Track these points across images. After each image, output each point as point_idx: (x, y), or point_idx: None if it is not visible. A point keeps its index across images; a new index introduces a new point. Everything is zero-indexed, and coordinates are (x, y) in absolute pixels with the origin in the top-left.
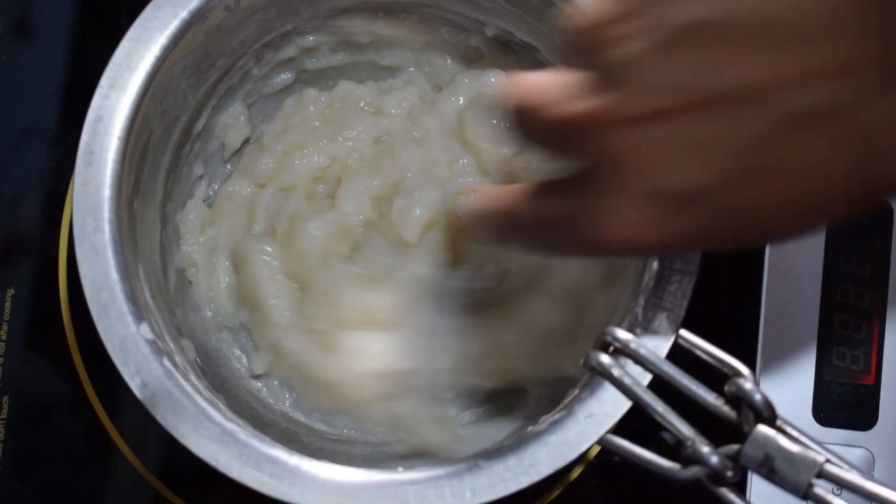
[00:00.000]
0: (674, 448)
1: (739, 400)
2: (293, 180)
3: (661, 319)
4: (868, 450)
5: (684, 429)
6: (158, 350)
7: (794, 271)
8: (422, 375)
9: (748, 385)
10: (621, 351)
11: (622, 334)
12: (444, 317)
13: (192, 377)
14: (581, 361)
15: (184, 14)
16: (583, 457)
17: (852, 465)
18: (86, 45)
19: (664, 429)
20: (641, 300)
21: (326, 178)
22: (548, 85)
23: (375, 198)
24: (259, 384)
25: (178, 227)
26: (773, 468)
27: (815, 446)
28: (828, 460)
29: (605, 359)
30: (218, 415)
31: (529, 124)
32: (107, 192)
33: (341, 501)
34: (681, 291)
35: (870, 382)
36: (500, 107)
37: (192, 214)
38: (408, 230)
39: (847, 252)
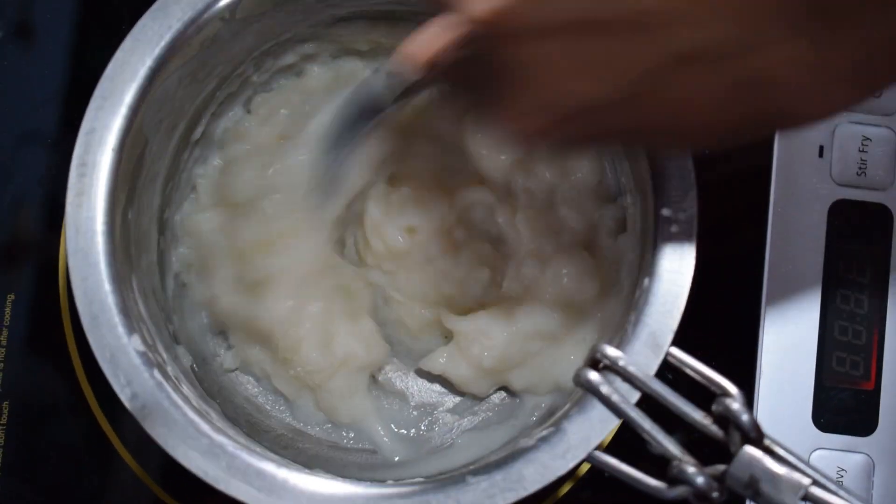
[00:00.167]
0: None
1: (727, 420)
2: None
3: (652, 337)
4: (868, 455)
5: (671, 448)
6: (149, 361)
7: (793, 276)
8: None
9: (735, 405)
10: (611, 368)
11: (611, 351)
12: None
13: (185, 387)
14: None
15: (178, 25)
16: (572, 472)
17: (840, 486)
18: (86, 50)
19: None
20: (632, 317)
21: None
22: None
23: None
24: (255, 390)
25: (175, 231)
26: (759, 490)
27: (803, 466)
28: (814, 482)
29: (593, 376)
30: (207, 426)
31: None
32: (100, 203)
33: None
34: (672, 309)
35: (870, 388)
36: (407, 63)
37: (187, 217)
38: None
39: (847, 258)
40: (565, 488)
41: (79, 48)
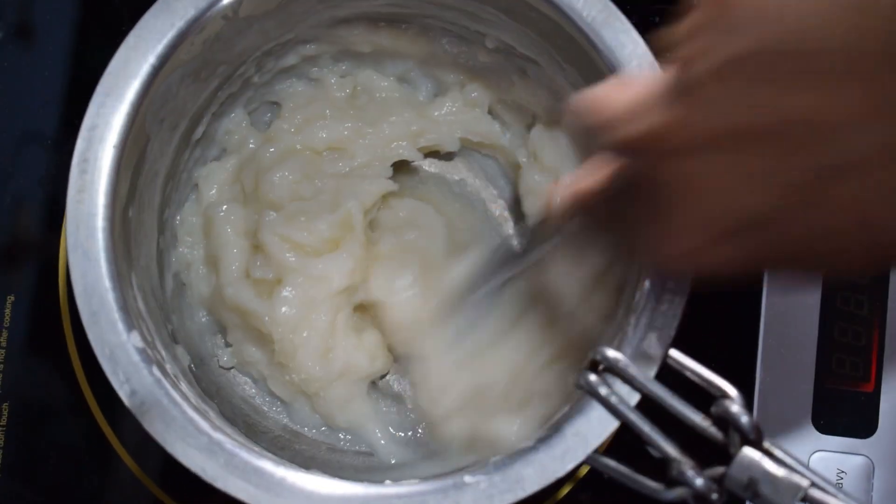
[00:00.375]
0: (662, 464)
1: (726, 421)
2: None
3: (652, 339)
4: (868, 457)
5: (670, 450)
6: (148, 358)
7: (793, 277)
8: None
9: (735, 407)
10: (610, 370)
11: (611, 353)
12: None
13: (183, 385)
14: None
15: (181, 23)
16: (572, 474)
17: (839, 489)
18: (87, 50)
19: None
20: (632, 319)
21: None
22: (612, 102)
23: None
24: (253, 391)
25: (175, 231)
26: (758, 492)
27: (802, 469)
28: (813, 484)
29: (593, 377)
30: (206, 424)
31: (598, 143)
32: (101, 200)
33: None
34: (672, 311)
35: (869, 390)
36: (570, 124)
37: (188, 217)
38: None
39: None
40: (565, 490)
41: (79, 48)
